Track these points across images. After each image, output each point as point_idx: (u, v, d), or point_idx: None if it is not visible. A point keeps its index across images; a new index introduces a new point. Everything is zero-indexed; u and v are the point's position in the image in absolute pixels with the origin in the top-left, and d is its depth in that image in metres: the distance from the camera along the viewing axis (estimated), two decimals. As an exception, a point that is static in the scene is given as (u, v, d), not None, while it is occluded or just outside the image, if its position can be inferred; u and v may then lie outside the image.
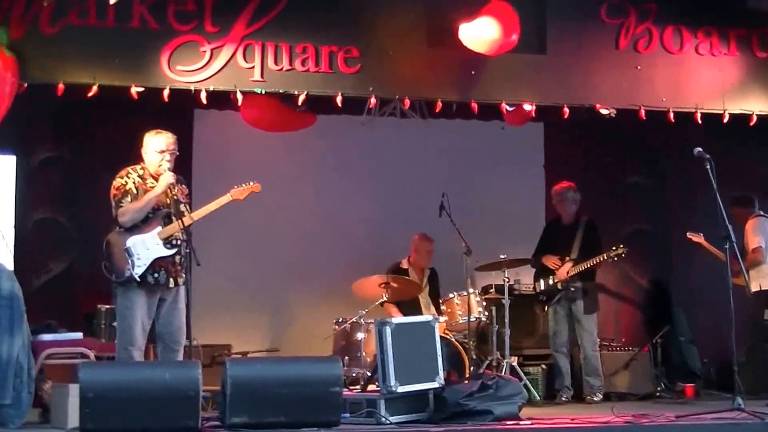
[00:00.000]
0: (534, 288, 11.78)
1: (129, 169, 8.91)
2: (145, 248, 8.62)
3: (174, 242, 8.71)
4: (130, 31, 9.97)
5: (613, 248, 11.11)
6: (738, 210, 11.51)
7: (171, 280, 8.69)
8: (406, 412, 8.52)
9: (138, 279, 8.56)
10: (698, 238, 11.52)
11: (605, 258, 11.17)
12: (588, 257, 11.27)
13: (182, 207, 8.85)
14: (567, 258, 11.42)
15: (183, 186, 9.10)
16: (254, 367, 7.89)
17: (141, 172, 8.89)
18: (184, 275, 8.71)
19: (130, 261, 8.56)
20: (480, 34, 10.20)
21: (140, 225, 8.71)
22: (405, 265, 11.76)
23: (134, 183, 8.78)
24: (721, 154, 11.22)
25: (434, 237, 11.67)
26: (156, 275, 8.63)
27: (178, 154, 9.03)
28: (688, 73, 11.28)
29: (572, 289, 11.37)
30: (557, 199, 11.83)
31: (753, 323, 11.06)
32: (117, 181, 8.82)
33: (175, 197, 8.77)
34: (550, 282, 11.49)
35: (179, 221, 8.59)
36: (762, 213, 11.58)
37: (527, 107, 10.98)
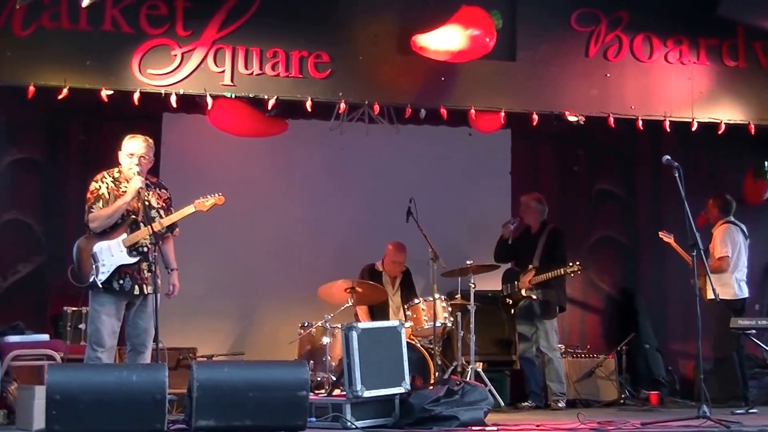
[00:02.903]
0: (501, 290, 11.85)
1: (105, 173, 8.82)
2: (110, 255, 8.57)
3: (140, 249, 8.64)
4: (102, 34, 10.00)
5: (570, 264, 11.18)
6: (714, 208, 11.63)
7: (137, 287, 8.62)
8: (372, 417, 8.55)
9: (100, 285, 8.54)
10: (669, 238, 11.60)
11: (562, 273, 11.25)
12: (548, 266, 11.35)
13: (154, 213, 8.79)
14: (530, 266, 11.50)
15: (163, 190, 9.03)
16: (221, 370, 7.85)
17: (117, 175, 8.80)
18: (152, 283, 8.63)
19: (94, 267, 8.52)
20: (434, 44, 10.28)
21: (108, 231, 8.64)
22: (379, 267, 11.79)
23: (107, 188, 8.72)
24: (690, 161, 11.38)
25: (401, 242, 11.68)
26: (121, 282, 8.57)
27: (152, 159, 8.98)
28: (657, 81, 11.36)
29: (534, 297, 11.44)
30: (521, 207, 11.95)
31: (719, 334, 11.12)
32: (92, 185, 8.74)
33: (147, 202, 8.73)
34: (515, 288, 11.57)
35: (149, 227, 8.53)
36: (733, 220, 11.65)
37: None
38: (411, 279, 11.94)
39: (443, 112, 10.94)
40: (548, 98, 11.14)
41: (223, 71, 10.21)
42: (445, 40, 10.27)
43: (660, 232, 11.75)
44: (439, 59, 10.39)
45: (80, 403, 7.17)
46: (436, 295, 10.75)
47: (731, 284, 11.34)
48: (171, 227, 8.94)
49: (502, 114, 11.08)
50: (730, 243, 11.44)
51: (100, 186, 8.72)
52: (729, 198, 11.80)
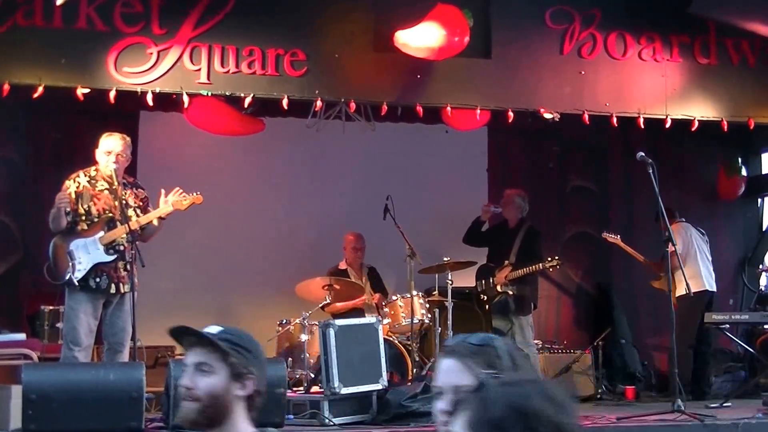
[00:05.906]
0: (476, 286, 11.88)
1: (81, 171, 8.81)
2: (87, 252, 8.57)
3: (116, 248, 8.65)
4: (77, 32, 9.95)
5: (548, 259, 11.20)
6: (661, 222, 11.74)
7: (113, 285, 8.63)
8: (349, 414, 8.58)
9: (77, 283, 8.53)
10: (614, 239, 11.73)
11: (540, 268, 11.28)
12: (524, 262, 11.38)
13: (131, 212, 8.79)
14: (506, 262, 11.53)
15: (140, 190, 9.05)
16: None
17: (93, 173, 8.81)
18: (129, 282, 8.64)
19: (71, 264, 8.51)
20: (416, 40, 10.29)
21: (85, 229, 8.65)
22: (343, 266, 11.82)
23: (77, 187, 8.68)
24: (663, 158, 11.42)
25: (378, 240, 11.67)
26: (97, 280, 8.58)
27: (130, 157, 8.95)
28: (630, 78, 11.40)
29: (509, 292, 11.48)
30: (504, 201, 11.94)
31: (681, 329, 11.18)
32: (65, 183, 8.74)
33: (124, 201, 8.73)
34: (490, 283, 11.60)
35: (126, 225, 8.53)
36: (683, 219, 11.74)
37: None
38: (379, 276, 11.99)
39: (419, 109, 10.96)
40: (523, 95, 11.16)
41: (199, 69, 10.19)
42: (425, 37, 10.28)
43: (603, 234, 11.88)
44: (420, 56, 10.40)
45: (56, 402, 7.17)
46: (414, 292, 10.79)
47: (699, 276, 11.42)
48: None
49: (478, 111, 11.09)
50: (680, 239, 11.49)
51: (69, 185, 8.70)
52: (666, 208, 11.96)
